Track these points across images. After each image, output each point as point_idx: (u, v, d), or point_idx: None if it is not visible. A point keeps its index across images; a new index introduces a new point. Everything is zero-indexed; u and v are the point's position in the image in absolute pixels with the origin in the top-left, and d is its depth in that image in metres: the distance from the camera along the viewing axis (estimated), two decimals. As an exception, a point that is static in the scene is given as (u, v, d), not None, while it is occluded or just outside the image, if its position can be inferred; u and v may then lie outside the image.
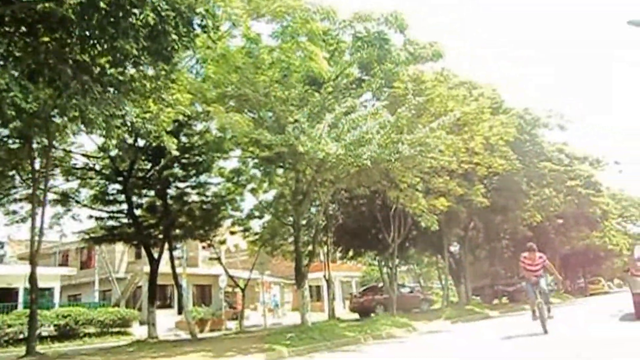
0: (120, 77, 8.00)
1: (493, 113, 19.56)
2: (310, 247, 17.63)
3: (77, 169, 14.70)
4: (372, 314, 21.70)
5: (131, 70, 8.22)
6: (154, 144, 11.47)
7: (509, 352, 7.82)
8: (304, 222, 17.22)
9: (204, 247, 28.15)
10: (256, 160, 15.77)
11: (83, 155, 14.53)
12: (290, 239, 17.90)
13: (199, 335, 16.42)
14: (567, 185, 29.53)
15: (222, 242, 21.91)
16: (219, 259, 21.60)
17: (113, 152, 14.28)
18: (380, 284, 24.08)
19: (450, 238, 24.98)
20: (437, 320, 17.75)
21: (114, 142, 12.66)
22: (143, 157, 14.18)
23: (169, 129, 10.73)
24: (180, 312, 24.51)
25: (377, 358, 9.04)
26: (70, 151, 13.77)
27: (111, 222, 16.23)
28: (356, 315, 24.31)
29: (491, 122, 18.59)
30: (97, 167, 15.16)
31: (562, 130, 30.03)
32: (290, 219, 16.00)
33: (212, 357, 9.30)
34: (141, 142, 13.86)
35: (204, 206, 16.43)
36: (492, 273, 32.89)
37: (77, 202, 15.40)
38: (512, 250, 34.18)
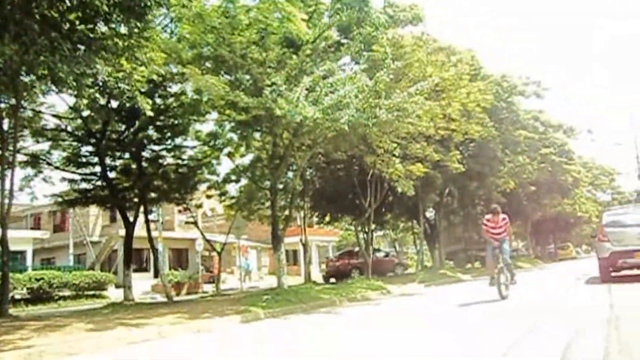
0: (91, 35, 7.70)
1: (471, 80, 19.60)
2: (287, 212, 17.68)
3: (48, 130, 14.30)
4: (348, 278, 22.02)
5: (102, 28, 7.92)
6: (127, 105, 11.19)
7: (463, 318, 8.02)
8: (280, 186, 17.19)
9: (180, 211, 27.97)
10: (233, 124, 15.54)
11: (54, 116, 14.12)
12: (267, 204, 17.90)
13: (175, 298, 16.49)
14: (541, 153, 30.07)
15: (199, 206, 21.81)
16: (195, 222, 21.56)
17: (85, 113, 13.90)
18: (356, 249, 24.39)
19: (426, 203, 25.30)
20: (411, 284, 18.11)
21: (86, 102, 12.34)
22: (116, 118, 13.83)
23: (143, 89, 10.47)
24: (156, 276, 24.55)
25: (351, 319, 9.20)
26: (40, 111, 13.35)
27: (84, 185, 15.94)
28: (332, 279, 24.67)
29: (469, 88, 18.62)
30: (69, 129, 14.76)
31: (539, 98, 30.41)
32: (267, 183, 15.94)
33: (188, 318, 9.33)
34: (114, 103, 13.50)
35: (180, 169, 16.23)
36: (465, 238, 33.60)
37: (49, 164, 15.04)
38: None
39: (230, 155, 17.97)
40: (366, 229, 21.20)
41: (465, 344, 5.09)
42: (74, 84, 7.47)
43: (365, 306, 11.56)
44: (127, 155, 15.32)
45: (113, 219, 30.98)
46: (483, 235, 10.12)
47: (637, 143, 36.58)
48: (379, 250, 28.89)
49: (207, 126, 16.79)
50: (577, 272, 17.23)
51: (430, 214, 28.96)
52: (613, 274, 12.05)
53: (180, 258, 33.94)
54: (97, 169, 15.27)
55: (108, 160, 15.16)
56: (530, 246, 47.60)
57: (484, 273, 24.45)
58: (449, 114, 17.70)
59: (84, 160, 15.32)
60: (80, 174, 15.56)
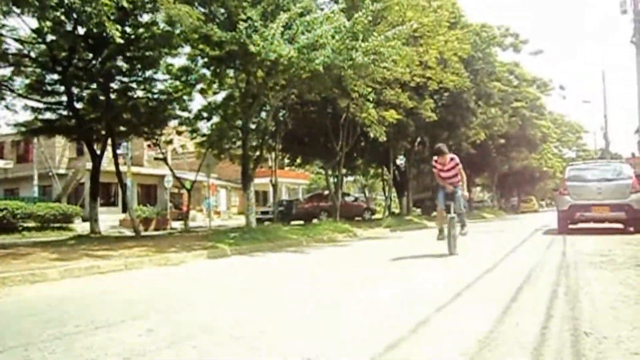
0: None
1: (450, 27, 19.35)
2: (258, 152, 17.60)
3: (10, 54, 13.60)
4: (316, 220, 22.35)
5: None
6: (95, 31, 10.66)
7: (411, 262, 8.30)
8: (253, 126, 16.99)
9: (149, 146, 27.62)
10: (206, 59, 15.09)
11: (16, 40, 13.38)
12: (239, 143, 17.73)
13: (143, 234, 16.49)
14: (513, 106, 30.37)
15: (169, 142, 21.49)
16: (165, 159, 21.28)
17: (50, 38, 13.25)
18: (326, 192, 24.62)
19: (397, 151, 25.53)
20: (377, 228, 18.53)
21: (50, 24, 11.76)
22: (83, 45, 13.23)
23: (112, 16, 9.98)
24: (124, 211, 24.44)
25: (315, 257, 9.43)
26: (0, 34, 12.65)
27: (49, 114, 15.42)
28: (301, 221, 25.00)
29: (447, 36, 18.42)
30: (33, 54, 14.07)
31: (516, 51, 30.39)
32: (239, 122, 15.71)
33: (155, 252, 9.40)
34: (82, 30, 12.90)
35: (150, 103, 15.79)
36: (433, 187, 34.18)
37: (11, 90, 14.43)
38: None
39: (202, 91, 17.57)
40: (336, 173, 21.33)
41: (405, 286, 5.28)
42: (37, 3, 7.07)
43: (331, 247, 11.82)
44: (94, 85, 14.77)
45: (80, 152, 30.39)
46: (437, 179, 8.61)
47: (605, 102, 37.24)
48: (348, 194, 29.22)
49: (179, 60, 16.38)
50: (537, 224, 17.88)
51: (400, 161, 29.30)
52: (571, 226, 12.57)
53: (149, 194, 33.78)
54: (63, 98, 14.73)
55: (75, 90, 14.61)
56: (496, 198, 48.94)
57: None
58: (425, 61, 17.56)
59: (48, 88, 14.72)
60: (44, 102, 15.01)
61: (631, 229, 11.74)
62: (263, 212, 24.95)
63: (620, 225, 12.40)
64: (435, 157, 8.17)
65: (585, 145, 61.65)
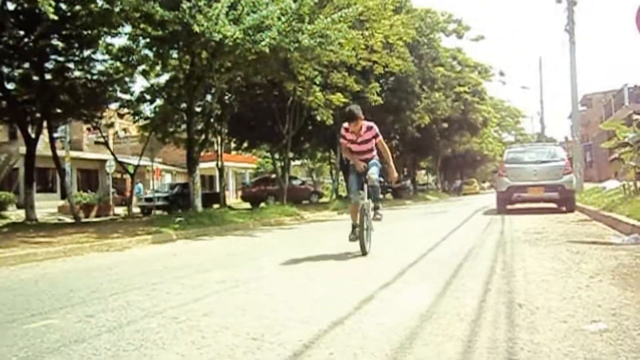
0: None
1: (395, 12, 19.58)
2: (203, 136, 17.28)
3: None
4: (263, 204, 22.27)
5: None
6: (26, 6, 10.05)
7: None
8: (198, 109, 16.67)
9: (89, 129, 26.51)
10: (148, 40, 14.58)
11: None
12: (184, 126, 17.33)
13: (84, 220, 15.93)
14: (456, 91, 31.14)
15: (109, 125, 20.73)
16: (106, 142, 20.61)
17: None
18: (273, 176, 24.56)
19: (344, 134, 25.67)
20: (324, 211, 18.69)
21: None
22: (13, 21, 12.45)
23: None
24: (63, 197, 23.44)
25: (262, 239, 9.42)
26: None
27: (-23, 96, 14.51)
28: (248, 205, 24.84)
29: (392, 20, 18.62)
30: (-43, 31, 13.16)
31: (459, 37, 31.08)
32: (184, 105, 15.34)
33: (96, 238, 9.10)
34: (11, 6, 12.15)
35: (89, 84, 15.12)
36: (380, 170, 34.77)
37: None
38: (401, 149, 36.16)
39: (145, 73, 16.98)
40: (283, 157, 21.29)
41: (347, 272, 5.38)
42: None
43: (277, 230, 11.83)
44: (27, 65, 13.99)
45: (13, 136, 28.81)
46: (344, 154, 6.61)
47: (542, 88, 38.85)
48: (295, 178, 29.27)
49: (119, 40, 15.71)
50: (478, 205, 18.55)
51: (347, 145, 29.49)
52: (509, 206, 13.11)
53: (89, 179, 32.57)
54: (-8, 78, 13.89)
55: (5, 69, 13.78)
56: (439, 181, 50.33)
57: (394, 204, 25.76)
58: (371, 45, 17.73)
59: (-24, 67, 13.84)
60: (-30, 82, 14.10)
61: (564, 208, 12.38)
62: (147, 199, 23.05)
63: (554, 205, 13.04)
64: (345, 125, 5.99)
65: (524, 130, 64.22)
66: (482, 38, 33.56)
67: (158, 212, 20.31)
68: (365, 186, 5.94)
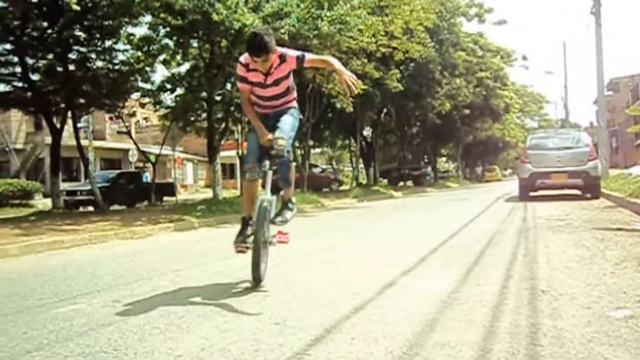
0: None
1: (416, -4, 19.33)
2: (224, 124, 17.36)
3: (-43, 22, 12.91)
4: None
5: None
6: (49, -1, 10.21)
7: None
8: (218, 97, 16.74)
9: (111, 119, 26.87)
10: (168, 29, 14.67)
11: (-38, 7, 12.69)
12: (204, 115, 17.43)
13: (146, 203, 16.13)
14: (477, 76, 30.71)
15: (132, 115, 20.97)
16: (128, 132, 20.82)
17: None
18: (293, 164, 24.59)
19: (364, 122, 25.61)
20: (345, 199, 18.70)
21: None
22: (37, 13, 12.63)
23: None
24: (87, 186, 23.82)
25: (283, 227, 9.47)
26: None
27: (3, 87, 14.79)
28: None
29: (413, 6, 18.39)
30: (-19, 23, 13.38)
31: (480, 21, 30.58)
32: (204, 93, 15.43)
33: (121, 225, 9.28)
34: (35, -4, 12.35)
35: (111, 74, 15.28)
36: (400, 157, 34.62)
37: (-40, 61, 13.74)
38: (422, 136, 35.88)
39: (165, 62, 17.10)
40: (303, 145, 21.30)
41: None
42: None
43: (298, 217, 11.87)
44: (51, 56, 14.19)
45: (38, 126, 29.32)
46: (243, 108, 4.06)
47: (566, 73, 38.06)
48: (315, 166, 29.30)
49: (140, 30, 15.81)
50: (500, 192, 18.35)
51: (367, 132, 29.44)
52: (531, 193, 12.94)
53: (113, 168, 32.98)
54: (17, 69, 14.12)
55: (29, 61, 14.00)
56: (460, 168, 49.88)
57: (415, 192, 25.65)
58: (391, 31, 17.54)
59: (1, 59, 14.07)
60: (-4, 74, 14.37)
61: (588, 194, 12.17)
62: (69, 193, 18.60)
63: (578, 192, 12.83)
64: (242, 59, 3.66)
65: (547, 115, 63.18)
66: (504, 22, 33.00)
67: (84, 208, 17.47)
68: (268, 159, 3.67)
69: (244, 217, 3.85)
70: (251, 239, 3.65)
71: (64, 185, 18.25)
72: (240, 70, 3.69)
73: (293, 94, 3.94)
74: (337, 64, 3.72)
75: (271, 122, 3.77)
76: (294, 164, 3.84)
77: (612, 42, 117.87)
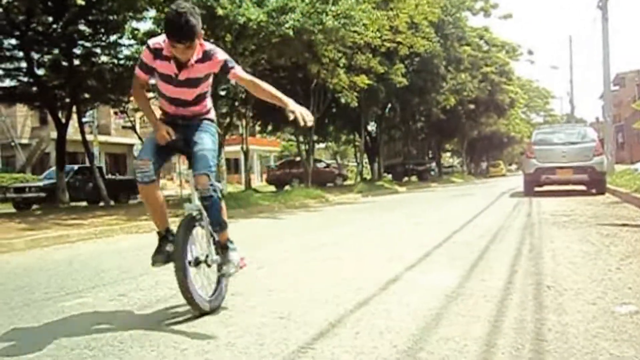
0: None
1: (421, -10, 19.23)
2: (228, 119, 17.38)
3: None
4: (288, 186, 22.38)
5: None
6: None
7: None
8: (222, 92, 16.76)
9: (116, 114, 26.93)
10: (172, 23, 14.68)
11: (-32, 2, 12.74)
12: (209, 110, 17.46)
13: (113, 203, 16.26)
14: (482, 71, 30.56)
15: (136, 110, 21.00)
16: (133, 127, 20.90)
17: (5, 0, 12.63)
18: (297, 159, 24.61)
19: (368, 116, 25.57)
20: (349, 194, 18.69)
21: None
22: (42, 8, 12.66)
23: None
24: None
25: (287, 222, 9.50)
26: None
27: (9, 81, 14.86)
28: (272, 188, 25.01)
29: (417, 0, 18.31)
30: (-13, 18, 13.43)
31: (486, 15, 30.42)
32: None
33: (126, 220, 9.32)
34: (39, -8, 12.35)
35: (116, 69, 15.31)
36: (405, 152, 34.57)
37: (-34, 56, 13.80)
38: (426, 131, 35.79)
39: (169, 57, 17.11)
40: (308, 140, 21.29)
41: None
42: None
43: (303, 212, 11.89)
44: (56, 50, 14.25)
45: (43, 121, 29.47)
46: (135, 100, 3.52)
47: (572, 68, 37.83)
48: (320, 161, 29.30)
49: (145, 25, 15.70)
50: (505, 187, 18.31)
51: (371, 127, 29.40)
52: (536, 189, 12.90)
53: (117, 163, 33.18)
54: (23, 64, 14.18)
55: (35, 55, 14.06)
56: (465, 163, 49.77)
57: (419, 187, 25.62)
58: (396, 25, 17.47)
59: (7, 54, 14.13)
60: (3, 69, 14.43)
61: (593, 190, 12.13)
62: (17, 190, 16.81)
63: (584, 187, 12.78)
64: (154, 41, 2.89)
65: (553, 111, 62.91)
66: (510, 16, 32.64)
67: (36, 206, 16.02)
68: (195, 197, 3.03)
69: (158, 231, 3.15)
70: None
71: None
72: (146, 57, 2.88)
73: (208, 103, 3.18)
74: (279, 97, 2.98)
75: (180, 136, 3.01)
76: (223, 203, 3.01)
77: (619, 37, 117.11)
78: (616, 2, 70.47)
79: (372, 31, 14.21)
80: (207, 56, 2.88)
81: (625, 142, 42.36)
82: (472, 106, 31.42)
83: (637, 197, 8.44)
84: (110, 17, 13.52)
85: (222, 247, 3.10)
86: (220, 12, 10.54)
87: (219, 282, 3.07)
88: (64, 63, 14.30)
